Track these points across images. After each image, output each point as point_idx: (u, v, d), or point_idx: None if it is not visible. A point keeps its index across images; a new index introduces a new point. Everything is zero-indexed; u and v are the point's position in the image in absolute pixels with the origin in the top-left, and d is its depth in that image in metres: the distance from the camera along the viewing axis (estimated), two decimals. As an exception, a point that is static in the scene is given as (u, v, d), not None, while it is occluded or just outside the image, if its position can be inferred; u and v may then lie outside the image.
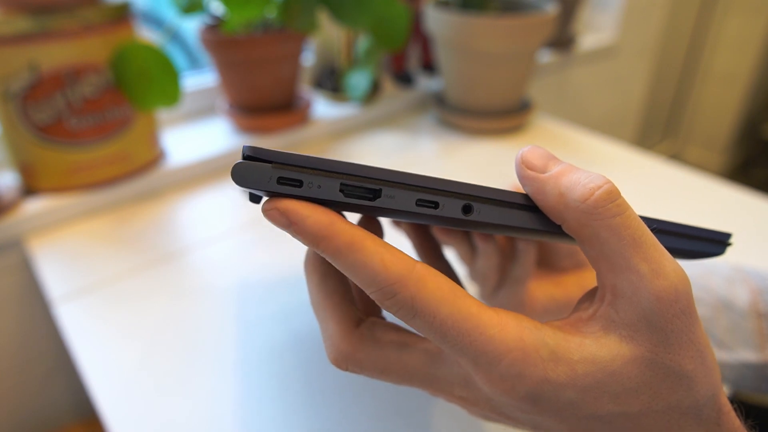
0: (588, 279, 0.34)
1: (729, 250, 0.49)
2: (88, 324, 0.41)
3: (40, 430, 0.63)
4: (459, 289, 0.17)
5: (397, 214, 0.18)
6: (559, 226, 0.19)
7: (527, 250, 0.32)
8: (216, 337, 0.40)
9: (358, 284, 0.17)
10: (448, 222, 0.18)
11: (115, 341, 0.39)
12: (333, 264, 0.17)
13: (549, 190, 0.18)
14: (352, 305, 0.21)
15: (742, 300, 0.31)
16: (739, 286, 0.31)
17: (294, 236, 0.17)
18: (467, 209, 0.18)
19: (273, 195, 0.17)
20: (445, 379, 0.20)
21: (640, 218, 0.17)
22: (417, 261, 0.17)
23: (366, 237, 0.17)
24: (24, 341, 0.59)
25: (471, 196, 0.18)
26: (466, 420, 0.34)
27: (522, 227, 0.19)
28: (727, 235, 0.20)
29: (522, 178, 0.19)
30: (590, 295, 0.20)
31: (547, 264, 0.35)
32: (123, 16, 0.51)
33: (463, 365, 0.18)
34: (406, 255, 0.17)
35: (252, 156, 0.16)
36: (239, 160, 0.17)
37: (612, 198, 0.17)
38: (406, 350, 0.20)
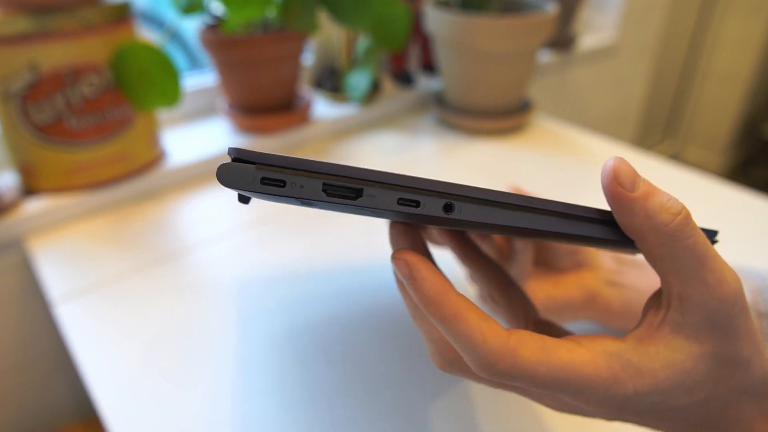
0: (587, 279, 0.34)
1: (728, 249, 0.49)
2: (89, 324, 0.41)
3: (40, 430, 0.64)
4: (550, 342, 0.19)
5: (380, 213, 0.18)
6: (542, 227, 0.19)
7: (524, 250, 0.32)
8: (216, 338, 0.40)
9: (457, 349, 0.19)
10: (432, 221, 0.19)
11: (116, 341, 0.39)
12: (435, 325, 0.19)
13: (637, 211, 0.19)
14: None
15: (741, 300, 0.31)
16: (739, 286, 0.31)
17: (407, 288, 0.19)
18: (448, 208, 0.18)
19: (258, 195, 0.18)
20: (534, 392, 0.22)
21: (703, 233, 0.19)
22: (511, 330, 0.19)
23: (470, 309, 0.19)
24: (24, 341, 0.59)
25: (452, 195, 0.18)
26: (467, 420, 0.34)
27: (506, 225, 0.19)
28: (713, 233, 0.21)
29: (610, 193, 0.19)
30: (654, 302, 0.21)
31: (545, 264, 0.35)
32: (123, 16, 0.51)
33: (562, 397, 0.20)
34: (500, 326, 0.19)
35: (237, 157, 0.17)
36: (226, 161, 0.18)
37: (688, 222, 0.19)
38: None
